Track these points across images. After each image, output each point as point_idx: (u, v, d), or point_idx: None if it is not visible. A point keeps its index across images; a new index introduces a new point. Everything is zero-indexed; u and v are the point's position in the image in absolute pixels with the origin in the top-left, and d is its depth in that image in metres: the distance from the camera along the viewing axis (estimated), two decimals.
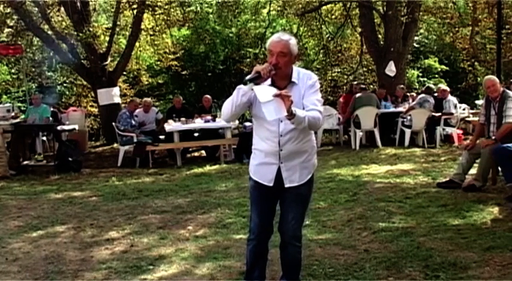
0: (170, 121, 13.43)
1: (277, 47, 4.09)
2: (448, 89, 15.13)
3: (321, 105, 4.20)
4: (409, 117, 14.07)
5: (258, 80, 4.01)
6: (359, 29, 19.03)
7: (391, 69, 16.24)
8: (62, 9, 17.65)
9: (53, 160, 12.48)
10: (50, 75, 21.86)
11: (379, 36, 17.46)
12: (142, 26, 17.94)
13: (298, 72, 4.24)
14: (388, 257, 5.44)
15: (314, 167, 4.46)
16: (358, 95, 14.40)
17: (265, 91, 3.95)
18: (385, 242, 5.93)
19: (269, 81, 4.12)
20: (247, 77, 4.02)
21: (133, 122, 13.37)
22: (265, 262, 4.64)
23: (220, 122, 12.67)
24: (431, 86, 16.01)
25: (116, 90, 17.58)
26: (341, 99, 15.86)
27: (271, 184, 4.30)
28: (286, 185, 4.29)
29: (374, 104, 14.15)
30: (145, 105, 14.27)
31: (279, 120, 4.12)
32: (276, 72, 4.08)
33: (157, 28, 18.82)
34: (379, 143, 13.88)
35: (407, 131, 13.93)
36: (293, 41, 4.17)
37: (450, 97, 14.51)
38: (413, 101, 14.91)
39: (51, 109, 14.53)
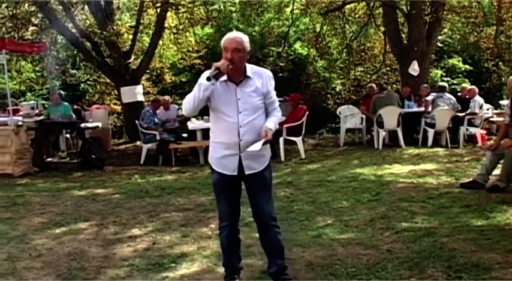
0: (193, 119, 13.46)
1: (232, 43, 4.48)
2: (476, 89, 14.97)
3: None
4: (432, 117, 13.94)
5: (219, 75, 4.42)
6: (382, 28, 18.92)
7: (414, 68, 16.14)
8: (86, 7, 17.80)
9: (76, 157, 12.57)
10: (74, 73, 22.00)
11: (403, 35, 17.36)
12: (166, 25, 18.02)
13: (251, 68, 4.63)
14: (410, 257, 5.41)
15: (269, 153, 4.77)
16: (378, 95, 14.33)
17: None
18: (408, 243, 5.90)
19: (225, 76, 4.50)
20: (210, 74, 4.39)
21: (156, 120, 13.41)
22: (240, 242, 4.94)
23: None
24: (443, 84, 15.65)
25: (139, 88, 17.69)
26: (363, 107, 15.57)
27: (235, 173, 4.57)
28: (247, 173, 4.59)
29: (395, 103, 14.07)
30: (164, 103, 14.31)
31: (238, 112, 4.46)
32: (231, 68, 4.41)
33: (181, 26, 18.84)
34: (402, 142, 13.79)
35: (431, 131, 13.82)
36: (246, 38, 4.58)
37: (477, 97, 14.39)
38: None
39: (75, 107, 14.62)
